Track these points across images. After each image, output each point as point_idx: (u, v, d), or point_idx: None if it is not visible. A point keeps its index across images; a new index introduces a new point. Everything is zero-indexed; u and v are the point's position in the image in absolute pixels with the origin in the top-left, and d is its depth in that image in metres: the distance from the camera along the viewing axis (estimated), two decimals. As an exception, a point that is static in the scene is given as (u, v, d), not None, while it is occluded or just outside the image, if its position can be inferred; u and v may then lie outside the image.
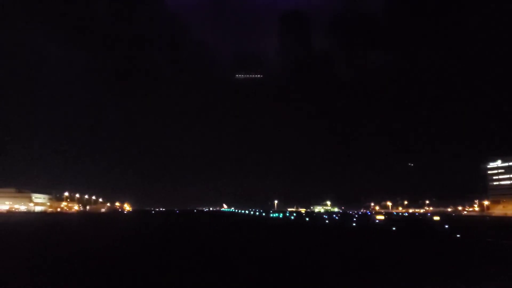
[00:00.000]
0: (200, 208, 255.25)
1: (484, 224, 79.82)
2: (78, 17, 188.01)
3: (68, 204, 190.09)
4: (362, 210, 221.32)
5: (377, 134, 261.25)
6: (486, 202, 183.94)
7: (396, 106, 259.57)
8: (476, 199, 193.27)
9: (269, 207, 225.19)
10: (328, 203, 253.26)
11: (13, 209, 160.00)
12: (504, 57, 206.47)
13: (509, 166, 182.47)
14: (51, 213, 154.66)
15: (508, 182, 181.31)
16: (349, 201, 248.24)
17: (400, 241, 39.37)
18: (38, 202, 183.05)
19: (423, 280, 17.53)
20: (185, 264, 21.93)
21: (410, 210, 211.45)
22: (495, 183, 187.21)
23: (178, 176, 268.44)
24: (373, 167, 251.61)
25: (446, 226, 62.40)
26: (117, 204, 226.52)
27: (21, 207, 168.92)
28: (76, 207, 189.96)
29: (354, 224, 71.89)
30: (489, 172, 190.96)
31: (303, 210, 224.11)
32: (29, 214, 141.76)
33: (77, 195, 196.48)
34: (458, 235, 43.04)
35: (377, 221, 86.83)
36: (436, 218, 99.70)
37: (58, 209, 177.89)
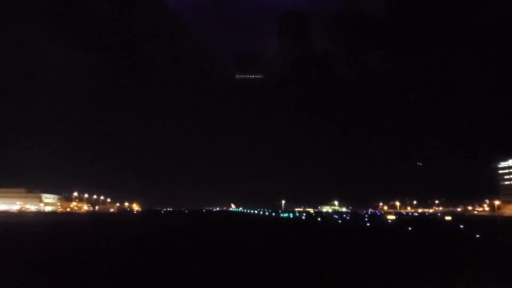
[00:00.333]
0: (208, 208, 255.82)
1: (498, 224, 79.01)
2: (78, 17, 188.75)
3: (77, 204, 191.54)
4: (370, 210, 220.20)
5: (385, 134, 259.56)
6: (497, 202, 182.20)
7: (404, 106, 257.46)
8: (486, 199, 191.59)
9: (276, 207, 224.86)
10: (336, 203, 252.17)
11: (24, 209, 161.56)
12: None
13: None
14: (62, 213, 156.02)
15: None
16: (356, 201, 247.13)
17: (424, 242, 38.89)
18: (48, 202, 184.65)
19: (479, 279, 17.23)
20: (218, 265, 21.94)
21: (419, 210, 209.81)
22: (506, 182, 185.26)
23: (186, 177, 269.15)
24: (381, 166, 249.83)
25: (461, 226, 62.05)
26: (126, 204, 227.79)
27: (32, 207, 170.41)
28: (85, 207, 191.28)
29: (368, 224, 71.57)
30: (499, 171, 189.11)
31: (311, 210, 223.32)
32: (40, 214, 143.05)
33: (86, 195, 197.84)
34: (477, 235, 42.80)
35: (389, 221, 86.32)
36: (448, 218, 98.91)
37: (68, 209, 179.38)
